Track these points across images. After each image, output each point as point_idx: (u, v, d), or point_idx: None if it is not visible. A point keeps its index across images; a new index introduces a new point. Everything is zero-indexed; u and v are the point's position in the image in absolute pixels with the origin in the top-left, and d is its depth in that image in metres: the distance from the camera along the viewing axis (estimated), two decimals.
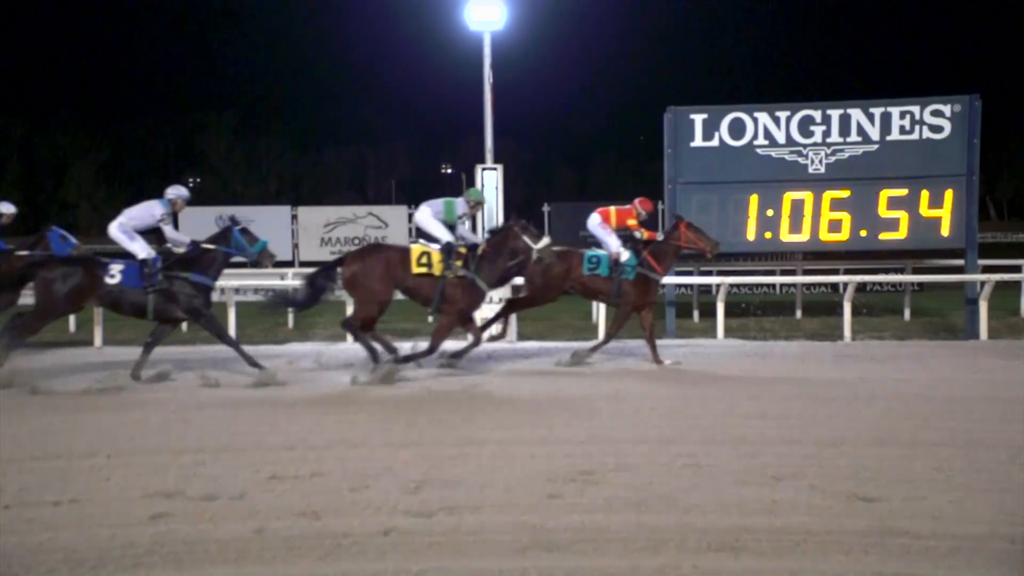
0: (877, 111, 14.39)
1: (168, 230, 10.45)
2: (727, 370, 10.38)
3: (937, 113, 14.26)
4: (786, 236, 14.42)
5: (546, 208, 27.88)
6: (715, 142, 14.60)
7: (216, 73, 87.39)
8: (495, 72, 15.13)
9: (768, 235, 14.47)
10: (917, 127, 14.30)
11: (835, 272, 16.36)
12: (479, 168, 15.06)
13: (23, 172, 73.25)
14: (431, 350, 10.25)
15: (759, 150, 14.55)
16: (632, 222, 11.75)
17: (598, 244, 11.76)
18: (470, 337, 10.72)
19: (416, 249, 10.40)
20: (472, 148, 26.97)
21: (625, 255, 11.32)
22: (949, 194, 14.02)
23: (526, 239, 10.24)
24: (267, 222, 28.21)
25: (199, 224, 28.92)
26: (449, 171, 72.62)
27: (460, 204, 10.84)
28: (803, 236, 14.42)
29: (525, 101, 62.49)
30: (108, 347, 13.31)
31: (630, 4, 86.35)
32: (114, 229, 10.39)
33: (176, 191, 10.68)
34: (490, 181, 14.91)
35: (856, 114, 14.43)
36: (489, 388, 9.09)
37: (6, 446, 6.44)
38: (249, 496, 5.15)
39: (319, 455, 6.11)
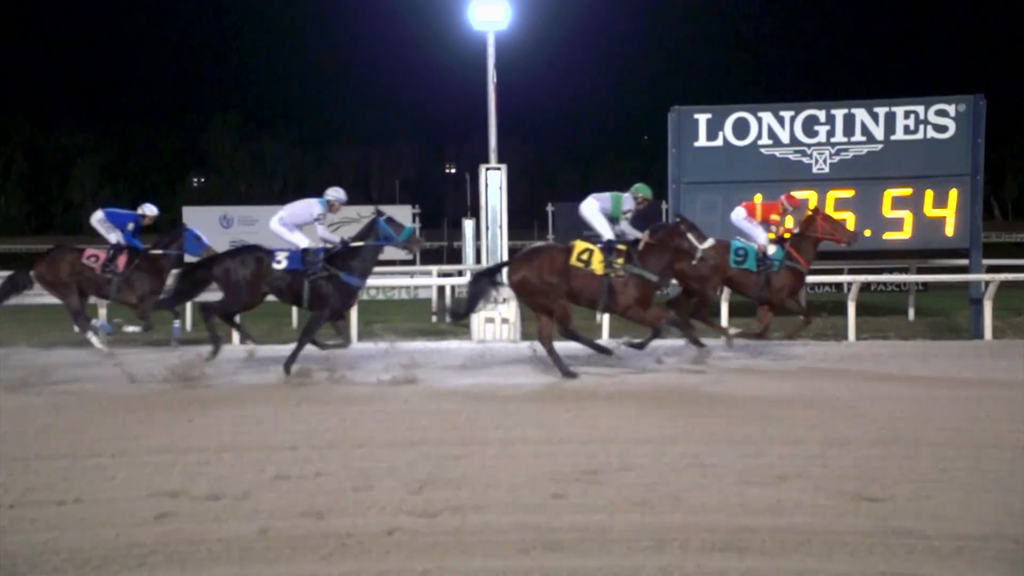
0: (881, 111, 14.36)
1: (320, 229, 10.89)
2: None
3: (941, 113, 14.23)
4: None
5: (550, 208, 27.89)
6: (719, 142, 14.58)
7: (221, 73, 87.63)
8: (499, 72, 15.15)
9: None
10: (921, 127, 14.27)
11: (839, 272, 16.31)
12: (483, 168, 15.06)
13: (28, 171, 73.43)
14: (643, 344, 10.55)
15: (763, 150, 14.53)
16: (775, 217, 11.76)
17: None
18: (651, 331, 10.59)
19: (579, 245, 10.32)
20: (476, 148, 26.99)
21: (772, 248, 11.41)
22: (953, 194, 13.98)
23: (692, 238, 10.06)
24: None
25: (201, 224, 28.96)
26: (453, 171, 72.68)
27: (627, 199, 10.81)
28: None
29: (529, 101, 62.54)
30: (113, 347, 13.28)
31: (634, 4, 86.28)
32: (275, 223, 10.86)
33: (336, 193, 11.08)
34: (494, 181, 14.92)
35: (860, 114, 14.40)
36: (493, 388, 9.09)
37: (11, 446, 6.46)
38: (253, 496, 5.16)
39: (323, 455, 6.12)
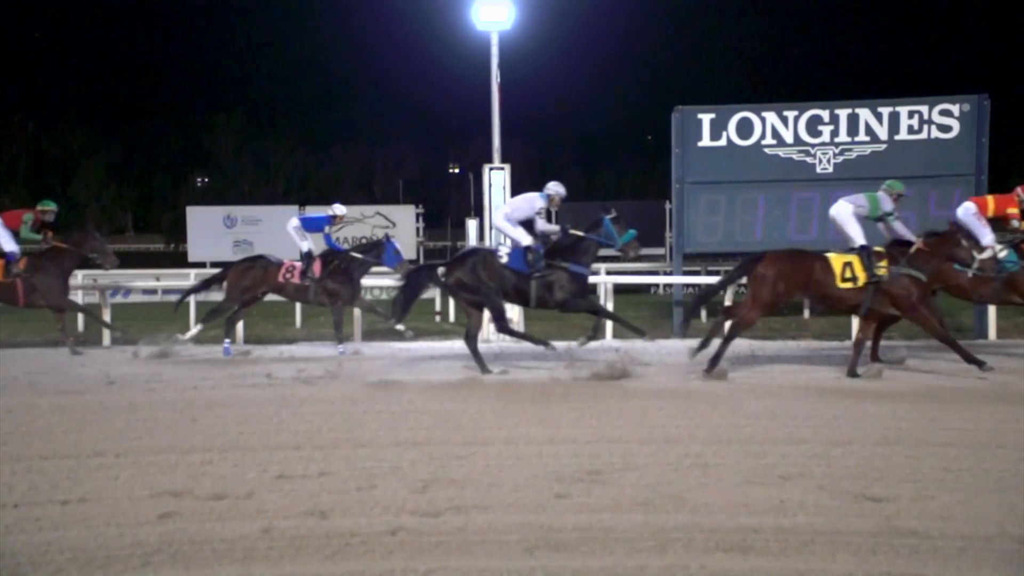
0: (885, 111, 14.37)
1: (540, 222, 10.97)
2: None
3: (946, 113, 14.24)
4: (794, 235, 14.40)
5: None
6: (723, 142, 14.60)
7: (225, 73, 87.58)
8: (503, 72, 15.16)
9: (776, 235, 14.45)
10: (925, 127, 14.28)
11: None
12: (487, 168, 15.08)
13: (32, 171, 73.46)
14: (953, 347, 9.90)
15: (767, 150, 14.54)
16: (1013, 210, 11.26)
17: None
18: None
19: (837, 261, 10.01)
20: (480, 148, 27.04)
21: (1002, 250, 10.84)
22: (958, 194, 13.97)
23: (969, 248, 9.96)
24: (275, 222, 28.29)
25: (206, 224, 28.93)
26: (457, 171, 72.71)
27: (884, 199, 10.51)
28: (811, 235, 14.39)
29: (533, 101, 62.59)
30: (117, 346, 13.32)
31: (637, 4, 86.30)
32: (499, 219, 11.06)
33: (556, 187, 11.15)
34: (497, 181, 14.94)
35: (864, 114, 14.41)
36: (496, 387, 9.09)
37: (15, 445, 6.47)
38: (257, 495, 5.16)
39: (326, 454, 6.12)
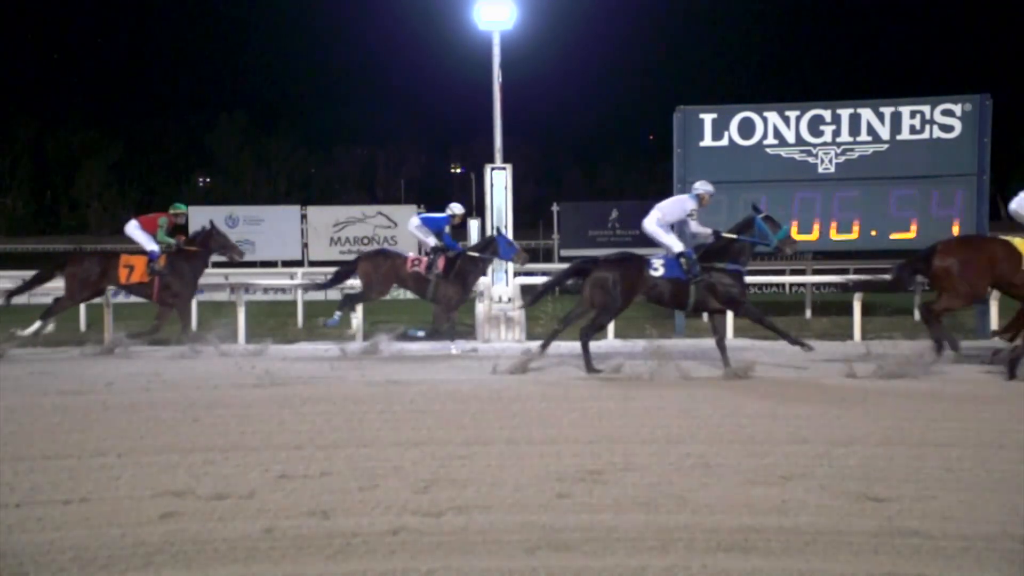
0: (887, 110, 14.37)
1: (693, 224, 11.06)
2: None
3: (948, 112, 14.24)
4: (796, 236, 14.39)
5: (555, 208, 27.91)
6: (724, 141, 14.61)
7: (226, 73, 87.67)
8: (504, 72, 15.16)
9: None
10: (927, 127, 14.29)
11: (845, 272, 16.32)
12: (488, 168, 15.09)
13: (34, 171, 73.51)
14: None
15: (769, 150, 14.55)
16: None
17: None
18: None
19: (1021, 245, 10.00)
20: (481, 147, 27.06)
21: None
22: (960, 194, 13.97)
23: None
24: (277, 222, 28.38)
25: (205, 223, 28.90)
26: (458, 171, 72.74)
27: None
28: (813, 236, 14.40)
29: (534, 101, 62.62)
30: (118, 346, 13.32)
31: (639, 3, 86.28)
32: (651, 224, 10.87)
33: (704, 186, 11.08)
34: (499, 181, 14.95)
35: (866, 114, 14.41)
36: (498, 387, 9.09)
37: (17, 445, 6.47)
38: (258, 495, 5.16)
39: (328, 454, 6.12)
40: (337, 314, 12.84)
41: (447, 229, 13.25)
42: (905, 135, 14.33)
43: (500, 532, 4.55)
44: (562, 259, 23.59)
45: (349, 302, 13.24)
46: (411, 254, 13.28)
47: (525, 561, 4.18)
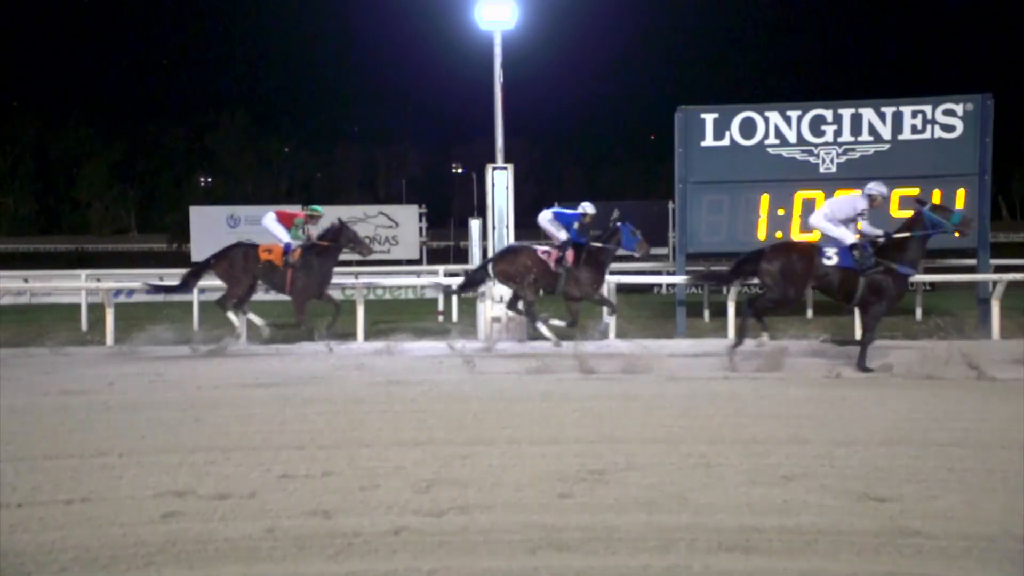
0: (889, 110, 14.34)
1: (865, 224, 11.01)
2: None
3: (949, 112, 14.21)
4: (797, 235, 14.38)
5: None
6: (726, 141, 14.57)
7: (228, 73, 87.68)
8: (506, 72, 15.15)
9: (779, 235, 14.42)
10: (929, 126, 14.25)
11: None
12: (490, 167, 15.08)
13: (36, 171, 73.61)
14: None
15: (770, 149, 14.52)
16: None
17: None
18: None
19: None
20: (483, 147, 27.01)
21: None
22: (961, 193, 13.95)
23: None
24: None
25: (209, 223, 28.93)
26: (460, 170, 72.76)
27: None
28: (815, 236, 14.37)
29: (536, 101, 62.66)
30: (120, 346, 13.32)
31: (641, 4, 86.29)
32: (818, 219, 11.23)
33: (878, 187, 11.18)
34: (500, 181, 14.94)
35: (868, 113, 14.38)
36: (499, 387, 9.09)
37: (18, 444, 6.47)
38: (260, 495, 5.17)
39: (329, 454, 6.12)
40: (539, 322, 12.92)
41: (576, 225, 13.20)
42: (907, 135, 14.29)
43: (502, 532, 4.56)
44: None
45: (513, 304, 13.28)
46: (541, 249, 13.22)
47: (527, 561, 4.19)
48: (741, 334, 11.06)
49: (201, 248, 27.47)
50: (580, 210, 13.36)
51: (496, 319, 14.13)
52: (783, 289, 10.68)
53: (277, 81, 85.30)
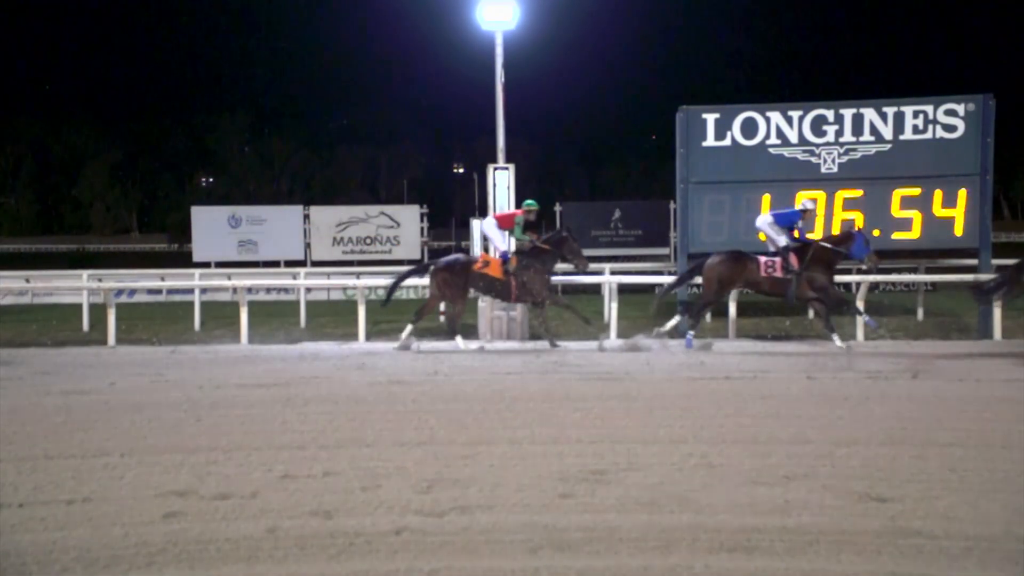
0: (890, 110, 14.33)
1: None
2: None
3: (951, 112, 14.20)
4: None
5: (558, 208, 27.89)
6: (727, 141, 14.57)
7: (229, 73, 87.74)
8: (507, 72, 15.15)
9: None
10: (930, 126, 14.24)
11: (847, 272, 16.27)
12: (491, 167, 15.08)
13: (37, 171, 73.63)
14: None
15: (771, 150, 14.51)
16: None
17: None
18: None
19: None
20: (484, 148, 27.10)
21: None
22: (963, 194, 13.95)
23: None
24: (280, 222, 28.34)
25: (210, 223, 28.93)
26: (461, 171, 72.78)
27: None
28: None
29: (537, 101, 62.67)
30: (121, 346, 13.35)
31: (642, 4, 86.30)
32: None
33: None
34: (502, 181, 14.94)
35: (869, 113, 14.37)
36: (501, 387, 9.09)
37: (20, 445, 6.48)
38: (261, 495, 5.17)
39: (331, 454, 6.13)
40: (689, 333, 12.95)
41: (799, 223, 13.17)
42: (908, 135, 14.28)
43: (503, 532, 4.56)
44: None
45: (691, 309, 13.33)
46: (763, 258, 13.04)
47: (528, 561, 4.19)
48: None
49: (202, 248, 27.49)
50: (800, 206, 13.25)
51: (497, 318, 14.13)
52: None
53: (278, 81, 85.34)
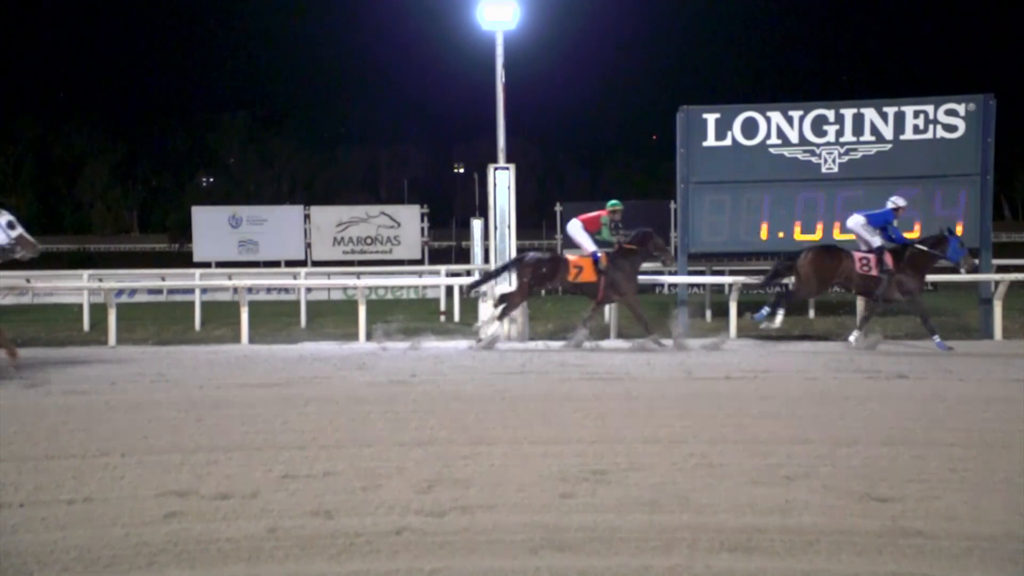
0: (891, 110, 14.34)
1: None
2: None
3: (951, 112, 14.21)
4: (799, 236, 14.39)
5: (558, 208, 27.93)
6: (728, 141, 14.58)
7: (230, 73, 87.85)
8: (508, 72, 15.15)
9: (781, 235, 14.45)
10: (931, 126, 14.26)
11: None
12: (491, 167, 15.08)
13: (38, 171, 73.63)
14: None
15: (772, 150, 14.53)
16: None
17: None
18: None
19: None
20: (484, 148, 27.04)
21: None
22: (963, 194, 13.95)
23: None
24: (280, 221, 28.39)
25: (211, 224, 28.97)
26: (461, 171, 72.81)
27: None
28: (816, 236, 14.38)
29: (538, 101, 62.71)
30: (122, 346, 13.35)
31: (643, 4, 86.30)
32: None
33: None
34: (502, 181, 14.93)
35: (870, 113, 14.39)
36: (501, 387, 9.09)
37: (20, 444, 6.47)
38: (262, 495, 5.16)
39: (331, 454, 6.12)
40: (764, 310, 12.97)
41: (895, 223, 13.09)
42: (909, 135, 14.30)
43: (504, 532, 4.55)
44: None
45: (782, 300, 13.11)
46: (858, 254, 12.92)
47: (528, 561, 4.18)
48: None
49: (203, 248, 27.50)
50: (891, 205, 13.11)
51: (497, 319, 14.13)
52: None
53: (279, 81, 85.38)
